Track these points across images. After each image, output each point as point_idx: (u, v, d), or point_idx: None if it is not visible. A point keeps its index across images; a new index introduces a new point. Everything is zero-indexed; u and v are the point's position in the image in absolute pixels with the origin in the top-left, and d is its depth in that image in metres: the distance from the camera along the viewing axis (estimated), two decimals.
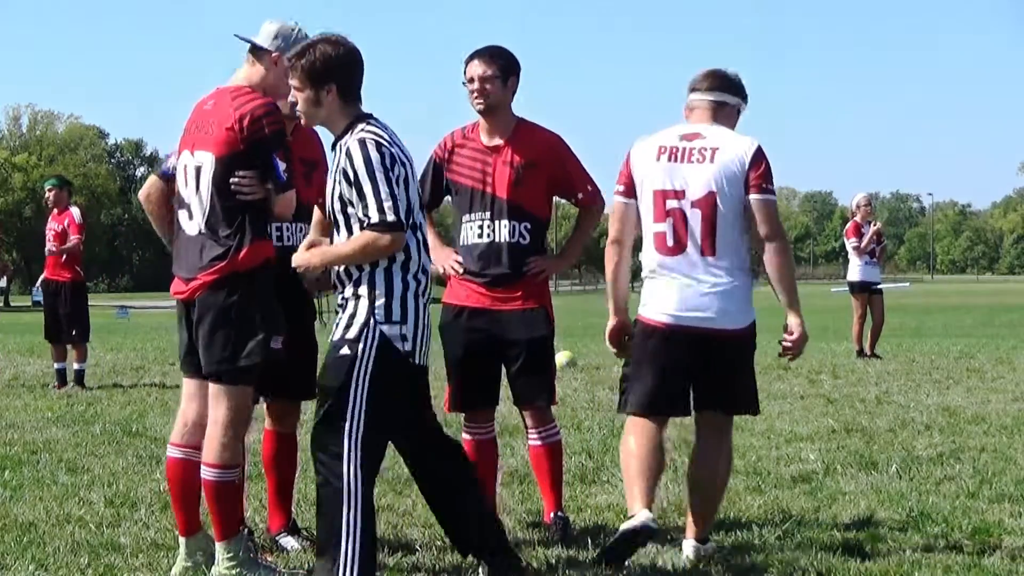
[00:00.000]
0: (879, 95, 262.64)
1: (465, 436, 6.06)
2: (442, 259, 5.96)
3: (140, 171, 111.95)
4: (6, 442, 8.74)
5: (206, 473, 4.96)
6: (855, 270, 16.69)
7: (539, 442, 5.95)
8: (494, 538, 4.95)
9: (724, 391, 5.35)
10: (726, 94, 5.41)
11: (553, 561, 5.32)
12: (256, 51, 5.20)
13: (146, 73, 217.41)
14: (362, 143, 4.55)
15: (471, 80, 5.77)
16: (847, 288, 17.27)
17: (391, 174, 4.53)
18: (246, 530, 5.22)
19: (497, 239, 5.83)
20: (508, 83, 5.81)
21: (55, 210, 13.25)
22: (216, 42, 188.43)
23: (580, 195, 5.98)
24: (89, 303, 13.64)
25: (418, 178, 4.81)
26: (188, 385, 5.17)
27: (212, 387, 4.98)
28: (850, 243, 16.65)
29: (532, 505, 6.40)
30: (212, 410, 4.98)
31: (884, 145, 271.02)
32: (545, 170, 5.86)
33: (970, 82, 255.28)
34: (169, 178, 5.34)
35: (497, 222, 5.82)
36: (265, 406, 5.71)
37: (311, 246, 4.86)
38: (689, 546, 5.36)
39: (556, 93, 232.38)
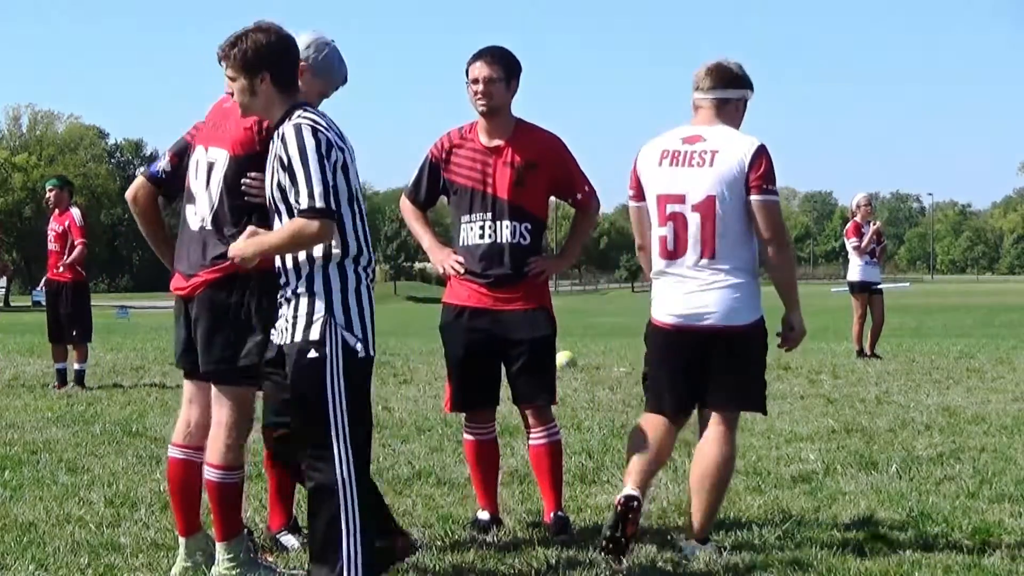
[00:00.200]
0: (879, 95, 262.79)
1: (466, 436, 6.06)
2: (442, 259, 5.96)
3: (140, 171, 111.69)
4: (6, 442, 8.74)
5: (209, 474, 4.95)
6: (855, 270, 16.70)
7: (539, 441, 5.95)
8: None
9: (725, 388, 5.38)
10: (728, 90, 5.42)
11: (553, 561, 5.33)
12: None
13: (146, 73, 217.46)
14: (297, 129, 4.46)
15: (475, 81, 5.77)
16: (847, 288, 17.28)
17: (326, 160, 4.42)
18: (246, 530, 5.22)
19: (499, 240, 5.83)
20: (511, 85, 5.82)
21: (56, 211, 13.24)
22: (216, 43, 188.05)
23: (579, 195, 6.01)
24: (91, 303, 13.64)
25: (355, 168, 4.63)
26: (189, 386, 5.16)
27: (214, 389, 4.98)
28: (850, 243, 16.66)
29: (532, 505, 6.40)
30: (215, 412, 4.98)
31: (884, 145, 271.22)
32: (546, 171, 5.87)
33: (970, 82, 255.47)
34: (158, 181, 5.31)
35: (498, 223, 5.83)
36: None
37: (252, 235, 4.67)
38: (688, 545, 5.37)
39: (551, 93, 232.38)
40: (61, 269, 13.06)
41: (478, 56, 5.82)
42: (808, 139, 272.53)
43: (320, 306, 4.46)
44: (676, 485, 6.80)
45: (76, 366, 13.01)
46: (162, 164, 5.31)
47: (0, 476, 7.36)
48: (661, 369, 5.50)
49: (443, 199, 6.13)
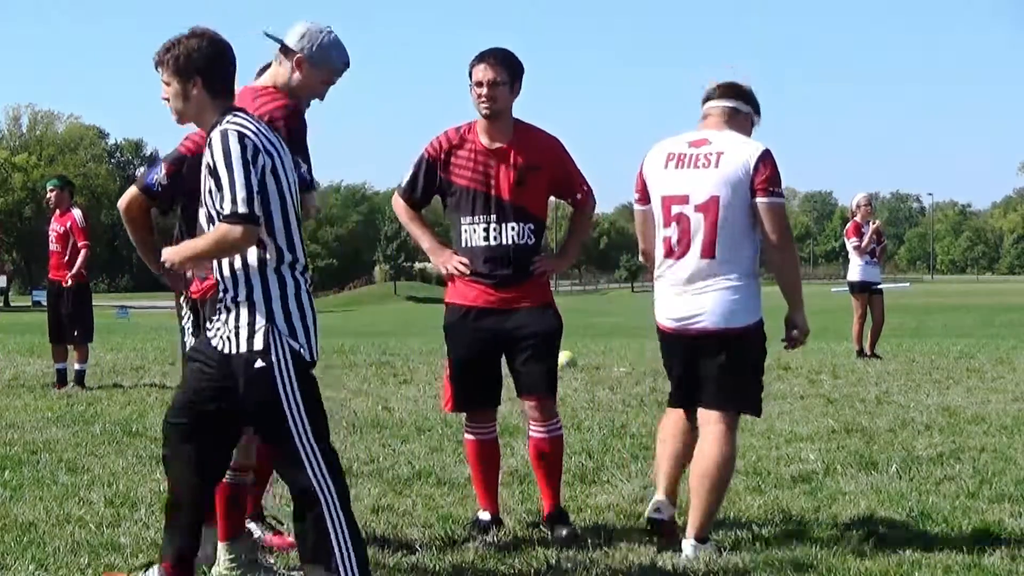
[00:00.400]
0: (879, 95, 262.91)
1: (467, 436, 6.06)
2: (444, 260, 5.95)
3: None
4: (6, 442, 8.74)
5: None
6: (855, 270, 16.71)
7: (540, 435, 5.92)
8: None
9: (720, 389, 5.43)
10: (739, 102, 5.54)
11: (553, 561, 5.33)
12: (285, 51, 5.14)
13: (146, 73, 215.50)
14: (223, 134, 4.41)
15: (479, 84, 5.76)
16: (847, 288, 17.29)
17: (251, 166, 4.36)
18: (246, 531, 5.23)
19: (504, 241, 5.83)
20: (514, 88, 5.82)
21: (57, 211, 13.23)
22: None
23: (578, 195, 6.04)
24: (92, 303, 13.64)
25: (292, 171, 4.55)
26: None
27: None
28: (851, 243, 16.66)
29: (532, 505, 6.40)
30: None
31: (884, 145, 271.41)
32: (546, 172, 5.89)
33: (970, 82, 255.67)
34: (153, 193, 5.30)
35: (503, 224, 5.83)
36: None
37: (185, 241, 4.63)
38: (688, 545, 5.38)
39: (551, 93, 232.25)
40: (70, 282, 13.02)
41: (482, 58, 5.80)
42: (808, 139, 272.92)
43: (261, 315, 4.41)
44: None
45: (76, 366, 13.00)
46: (158, 176, 5.29)
47: (0, 476, 7.36)
48: (668, 368, 5.71)
49: (435, 199, 6.13)
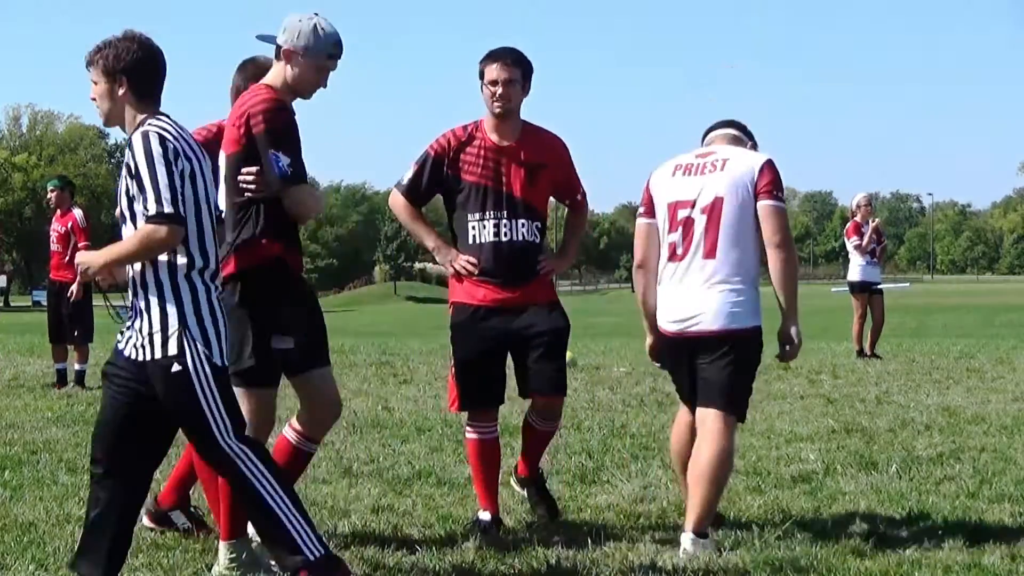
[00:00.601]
0: (879, 95, 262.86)
1: (469, 435, 6.06)
2: (451, 259, 5.95)
3: None
4: (6, 442, 8.74)
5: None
6: (855, 270, 16.72)
7: (540, 428, 6.09)
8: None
9: (713, 387, 5.48)
10: (740, 132, 5.75)
11: (553, 561, 5.33)
12: (277, 49, 5.15)
13: None
14: (145, 136, 4.44)
15: (493, 83, 5.76)
16: (847, 288, 17.30)
17: (173, 167, 4.39)
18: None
19: (516, 238, 5.85)
20: (525, 87, 5.86)
21: (58, 211, 13.22)
22: (216, 43, 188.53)
23: (578, 196, 6.13)
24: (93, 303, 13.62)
25: (210, 178, 4.59)
26: None
27: (236, 391, 4.98)
28: (851, 242, 16.68)
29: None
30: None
31: (884, 145, 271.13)
32: (552, 171, 5.95)
33: (970, 82, 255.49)
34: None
35: (514, 221, 5.85)
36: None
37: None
38: (687, 539, 5.39)
39: (551, 93, 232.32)
40: (77, 288, 12.95)
41: (495, 58, 5.80)
42: (808, 139, 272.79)
43: (173, 321, 4.45)
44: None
45: (77, 366, 13.00)
46: None
47: (0, 476, 7.36)
48: (671, 369, 5.76)
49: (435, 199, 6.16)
